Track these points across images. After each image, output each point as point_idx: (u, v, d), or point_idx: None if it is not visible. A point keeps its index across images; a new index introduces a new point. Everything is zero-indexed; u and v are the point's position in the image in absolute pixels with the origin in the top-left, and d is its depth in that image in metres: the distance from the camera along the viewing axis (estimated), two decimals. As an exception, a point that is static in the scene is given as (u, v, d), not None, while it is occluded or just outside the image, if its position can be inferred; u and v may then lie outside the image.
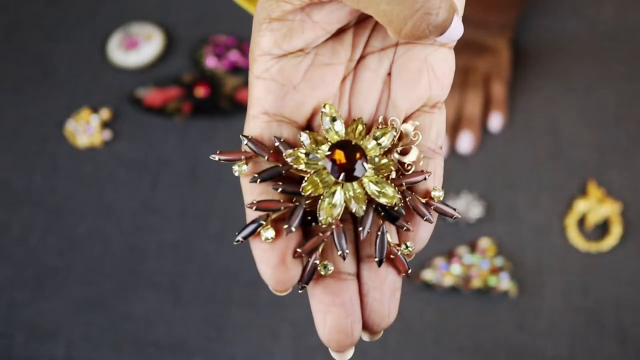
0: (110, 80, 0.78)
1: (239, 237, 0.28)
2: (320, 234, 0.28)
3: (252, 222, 0.28)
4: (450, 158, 0.73)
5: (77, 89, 0.78)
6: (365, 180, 0.29)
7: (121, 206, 0.72)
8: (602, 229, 0.69)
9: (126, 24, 0.80)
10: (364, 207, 0.29)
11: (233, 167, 0.29)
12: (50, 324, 0.68)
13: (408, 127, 0.30)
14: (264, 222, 0.28)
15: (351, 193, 0.29)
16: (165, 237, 0.71)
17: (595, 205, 0.69)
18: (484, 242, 0.68)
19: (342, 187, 0.29)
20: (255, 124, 0.30)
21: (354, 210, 0.29)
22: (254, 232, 0.28)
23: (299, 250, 0.28)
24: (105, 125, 0.76)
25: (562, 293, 0.67)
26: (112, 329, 0.68)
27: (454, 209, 0.30)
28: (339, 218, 0.28)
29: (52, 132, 0.76)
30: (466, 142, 0.72)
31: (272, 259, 0.28)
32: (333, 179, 0.29)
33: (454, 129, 0.73)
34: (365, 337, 0.29)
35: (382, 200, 0.29)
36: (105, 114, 0.76)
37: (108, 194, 0.73)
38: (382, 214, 0.29)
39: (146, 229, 0.71)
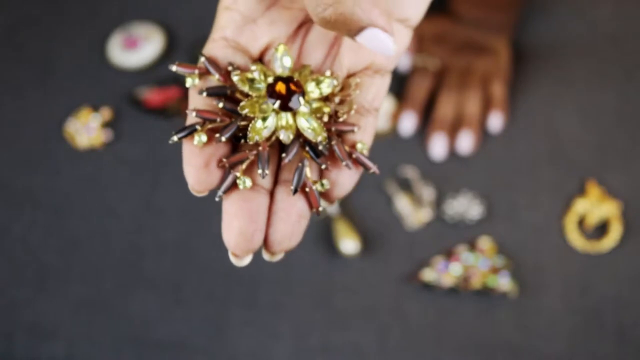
0: (110, 80, 0.78)
1: (175, 137, 0.31)
2: (247, 152, 0.31)
3: (190, 125, 0.31)
4: (450, 158, 0.73)
5: (77, 89, 0.78)
6: (298, 115, 0.32)
7: (121, 206, 0.72)
8: (602, 229, 0.70)
9: (126, 24, 0.80)
10: (291, 137, 0.31)
11: (187, 78, 0.32)
12: (50, 324, 0.68)
13: (350, 81, 0.33)
14: (199, 128, 0.31)
15: (283, 122, 0.31)
16: (165, 237, 0.71)
17: (595, 205, 0.69)
18: (484, 242, 0.68)
19: (277, 115, 0.31)
20: (214, 46, 0.33)
21: (281, 137, 0.31)
22: (189, 134, 0.31)
23: (224, 160, 0.31)
24: (105, 125, 0.76)
25: (561, 293, 0.67)
26: (112, 329, 0.68)
27: (374, 165, 0.32)
28: (267, 143, 0.31)
29: (52, 132, 0.76)
30: (466, 142, 0.72)
31: (198, 161, 0.31)
32: (270, 106, 0.31)
33: (454, 129, 0.73)
34: (266, 256, 0.31)
35: (309, 134, 0.31)
36: (105, 114, 0.76)
37: (108, 194, 0.73)
38: (307, 149, 0.31)
39: (146, 229, 0.71)
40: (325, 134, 0.31)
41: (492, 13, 0.75)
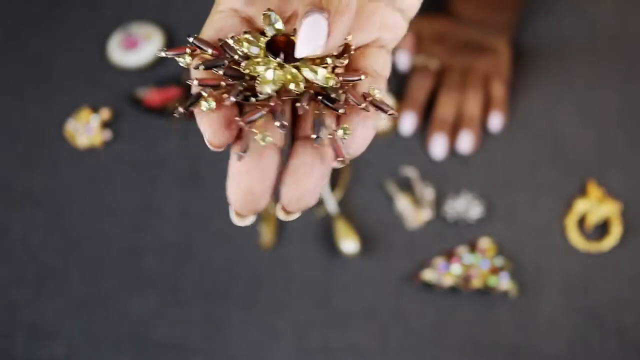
0: (110, 80, 0.78)
1: (181, 109, 0.29)
2: (260, 108, 0.29)
3: (195, 95, 0.29)
4: (450, 158, 0.73)
5: (77, 89, 0.78)
6: (303, 67, 0.30)
7: (121, 206, 0.72)
8: (602, 229, 0.69)
9: (126, 24, 0.80)
10: (302, 86, 0.30)
11: (179, 59, 0.31)
12: (50, 324, 0.68)
13: (350, 39, 0.32)
14: (205, 94, 0.29)
15: (289, 76, 0.30)
16: (165, 237, 0.71)
17: (595, 205, 0.69)
18: (484, 242, 0.68)
19: (282, 69, 0.30)
20: (220, 18, 0.32)
21: (292, 87, 0.30)
22: (196, 101, 0.29)
23: (238, 119, 0.29)
24: (105, 125, 0.76)
25: (562, 293, 0.67)
26: (112, 329, 0.68)
27: (391, 107, 0.31)
28: (277, 96, 0.30)
29: (52, 132, 0.76)
30: (466, 142, 0.72)
31: (215, 121, 0.29)
32: (273, 61, 0.30)
33: (454, 129, 0.73)
34: (281, 215, 0.29)
35: (320, 80, 0.30)
36: (105, 114, 0.76)
37: (108, 194, 0.73)
38: (320, 98, 0.30)
39: (146, 229, 0.71)
40: (336, 79, 0.30)
41: (492, 13, 0.75)
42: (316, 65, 0.31)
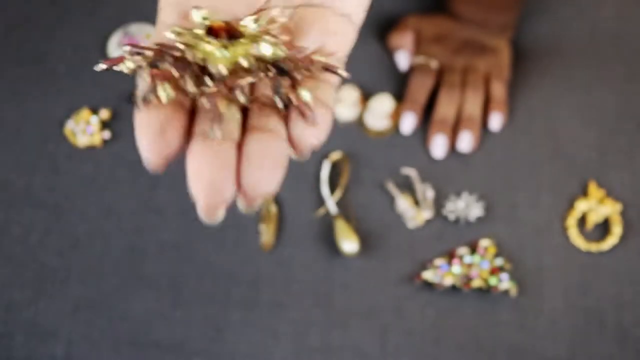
0: (110, 80, 0.78)
1: (140, 102, 0.28)
2: (212, 102, 0.28)
3: (148, 87, 0.28)
4: (451, 158, 0.73)
5: (77, 89, 0.78)
6: (247, 43, 0.29)
7: (121, 206, 0.72)
8: (603, 229, 0.69)
9: (126, 24, 0.80)
10: (252, 60, 0.29)
11: (120, 67, 0.29)
12: (50, 324, 0.68)
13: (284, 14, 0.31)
14: (159, 84, 0.28)
15: (238, 52, 0.29)
16: (165, 237, 0.71)
17: (596, 205, 0.69)
18: (484, 242, 0.68)
19: (226, 49, 0.29)
20: (157, 36, 0.30)
21: (242, 63, 0.29)
22: (154, 90, 0.28)
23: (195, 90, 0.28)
24: (105, 125, 0.76)
25: (562, 293, 0.67)
26: (112, 329, 0.68)
27: (339, 67, 0.30)
28: (230, 77, 0.29)
29: (52, 132, 0.76)
30: (466, 142, 0.72)
31: (152, 126, 0.28)
32: (217, 42, 0.29)
33: (454, 129, 0.73)
34: (241, 205, 0.28)
35: (267, 51, 0.29)
36: (105, 114, 0.76)
37: (108, 193, 0.73)
38: (271, 71, 0.29)
39: (146, 229, 0.71)
40: (283, 48, 0.29)
41: (492, 13, 0.75)
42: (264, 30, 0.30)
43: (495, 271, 0.67)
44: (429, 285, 0.67)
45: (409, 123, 0.73)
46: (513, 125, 0.74)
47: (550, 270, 0.68)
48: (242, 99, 0.29)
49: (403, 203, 0.70)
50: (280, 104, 0.28)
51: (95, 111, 0.76)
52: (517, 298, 0.67)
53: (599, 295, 0.67)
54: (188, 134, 0.29)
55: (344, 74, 0.30)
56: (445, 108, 0.73)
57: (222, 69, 0.28)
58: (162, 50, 0.29)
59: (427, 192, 0.71)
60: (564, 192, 0.71)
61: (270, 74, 0.29)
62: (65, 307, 0.69)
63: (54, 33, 0.81)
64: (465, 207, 0.70)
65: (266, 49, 0.29)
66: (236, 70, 0.29)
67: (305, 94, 0.29)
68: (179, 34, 0.30)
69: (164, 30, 0.30)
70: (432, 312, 0.67)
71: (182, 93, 0.29)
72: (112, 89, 0.78)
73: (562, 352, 0.65)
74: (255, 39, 0.30)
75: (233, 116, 0.29)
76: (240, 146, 0.28)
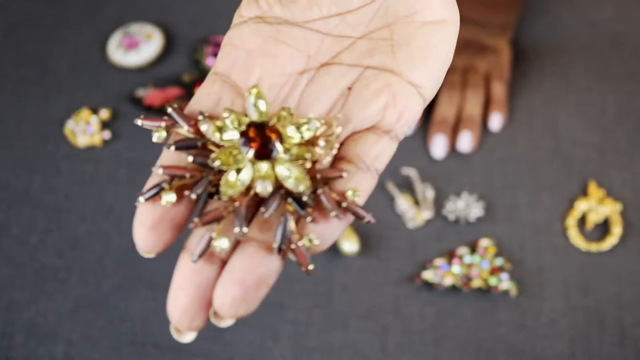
0: (110, 80, 0.78)
1: (141, 199, 0.28)
2: (220, 208, 0.28)
3: (156, 185, 0.28)
4: (451, 158, 0.73)
5: (77, 89, 0.78)
6: (277, 163, 0.28)
7: (121, 206, 0.72)
8: (603, 229, 0.69)
9: (126, 24, 0.80)
10: (270, 188, 0.28)
11: (153, 134, 0.29)
12: (50, 324, 0.68)
13: (331, 120, 0.29)
14: (166, 186, 0.28)
15: (260, 173, 0.28)
16: (165, 237, 0.71)
17: (596, 205, 0.69)
18: (484, 242, 0.68)
19: (253, 166, 0.28)
20: (205, 85, 0.30)
21: (259, 190, 0.28)
22: (157, 194, 0.28)
23: (196, 220, 0.28)
24: (105, 125, 0.76)
25: (562, 293, 0.67)
26: (112, 329, 0.68)
27: (368, 213, 0.28)
28: (244, 197, 0.28)
29: (52, 132, 0.76)
30: (466, 142, 0.72)
31: (149, 219, 0.28)
32: (245, 156, 0.28)
33: (454, 129, 0.73)
34: (212, 319, 0.28)
35: (290, 184, 0.28)
36: (105, 114, 0.76)
37: (108, 193, 0.73)
38: (289, 201, 0.28)
39: (146, 229, 0.71)
40: (308, 182, 0.28)
41: (492, 13, 0.75)
42: (299, 153, 0.28)
43: (495, 271, 0.67)
44: (429, 285, 0.67)
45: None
46: (513, 125, 0.74)
47: (550, 270, 0.68)
48: (239, 228, 0.27)
49: (403, 203, 0.70)
50: (276, 246, 0.27)
51: (95, 111, 0.76)
52: (517, 298, 0.67)
53: (599, 295, 0.67)
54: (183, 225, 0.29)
55: (371, 219, 0.28)
56: (446, 108, 0.73)
57: (228, 194, 0.28)
58: (197, 132, 0.29)
59: (427, 192, 0.71)
60: (564, 192, 0.71)
61: (288, 203, 0.28)
62: (64, 307, 0.69)
63: (54, 33, 0.81)
64: (465, 207, 0.70)
65: (292, 182, 0.28)
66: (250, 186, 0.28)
67: (309, 241, 0.28)
68: (212, 121, 0.28)
69: (203, 98, 0.30)
70: (432, 312, 0.67)
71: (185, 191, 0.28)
72: (112, 89, 0.78)
73: (561, 351, 0.65)
74: (288, 162, 0.28)
75: (220, 246, 0.28)
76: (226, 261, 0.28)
